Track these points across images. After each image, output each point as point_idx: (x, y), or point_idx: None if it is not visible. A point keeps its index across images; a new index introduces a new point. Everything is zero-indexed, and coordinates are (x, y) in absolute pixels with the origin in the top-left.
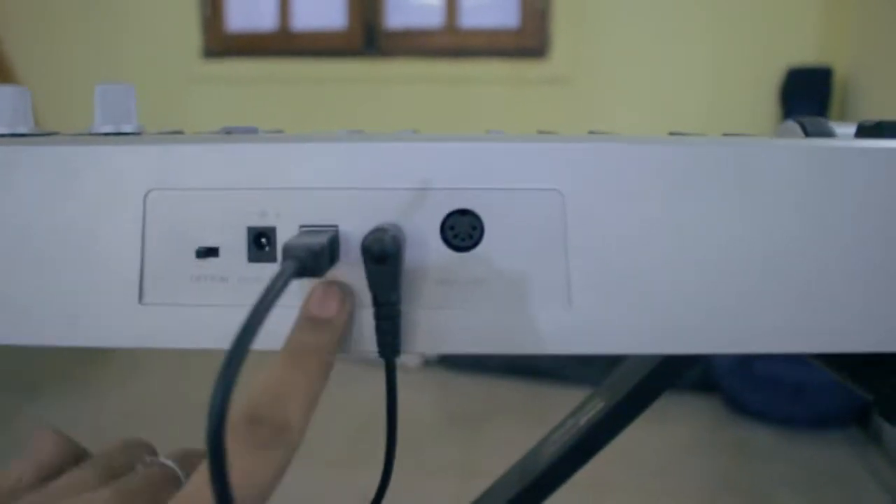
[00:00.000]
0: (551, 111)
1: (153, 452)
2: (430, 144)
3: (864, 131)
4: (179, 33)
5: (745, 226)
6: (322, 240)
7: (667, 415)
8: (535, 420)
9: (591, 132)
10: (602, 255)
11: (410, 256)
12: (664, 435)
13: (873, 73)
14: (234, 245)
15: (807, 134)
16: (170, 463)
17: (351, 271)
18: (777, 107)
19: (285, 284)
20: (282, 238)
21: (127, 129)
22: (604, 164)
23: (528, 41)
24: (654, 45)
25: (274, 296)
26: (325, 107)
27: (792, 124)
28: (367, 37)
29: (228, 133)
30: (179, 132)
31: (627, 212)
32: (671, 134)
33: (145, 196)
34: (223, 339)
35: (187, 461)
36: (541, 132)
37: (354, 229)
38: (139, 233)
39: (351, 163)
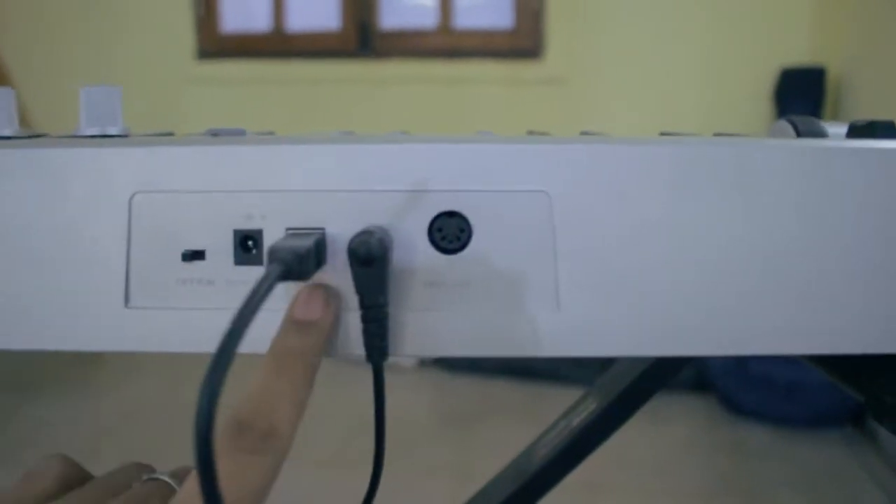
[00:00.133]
0: (546, 112)
1: (152, 471)
2: (418, 146)
3: (856, 131)
4: (173, 34)
5: (735, 227)
6: (308, 243)
7: (662, 415)
8: (530, 421)
9: (583, 133)
10: (591, 256)
11: (398, 259)
12: (660, 435)
13: (866, 73)
14: (221, 248)
15: (798, 134)
16: (166, 478)
17: (338, 274)
18: (771, 107)
19: (270, 288)
20: (268, 241)
21: (112, 131)
22: (591, 165)
23: (522, 42)
24: (648, 46)
25: (259, 299)
26: (320, 108)
27: (784, 124)
28: (362, 38)
29: (215, 135)
30: (169, 134)
31: (616, 213)
32: (662, 134)
33: (131, 198)
34: (210, 343)
35: (185, 476)
36: (530, 133)
37: (341, 232)
38: (125, 236)
39: (338, 165)
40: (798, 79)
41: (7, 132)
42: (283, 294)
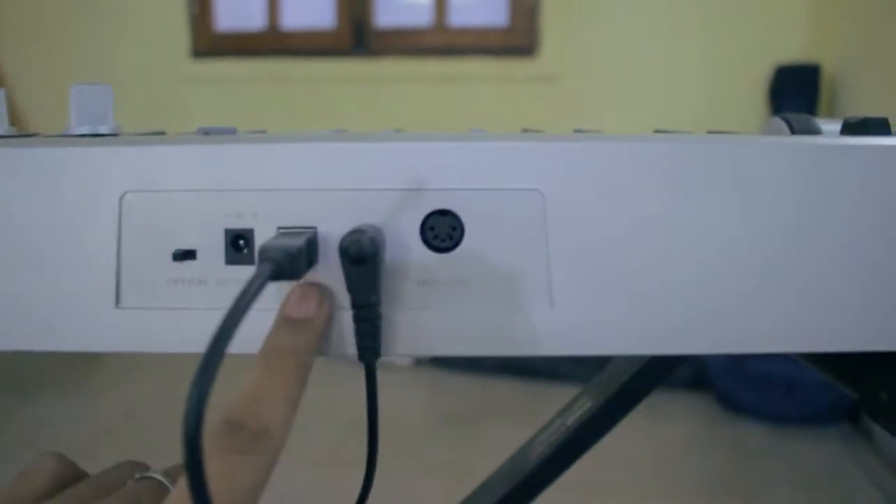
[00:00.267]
0: (541, 110)
1: (145, 469)
2: (410, 144)
3: (850, 128)
4: (168, 33)
5: (728, 225)
6: (299, 242)
7: (660, 413)
8: (528, 419)
9: (577, 131)
10: (584, 255)
11: (390, 258)
12: (658, 434)
13: (861, 71)
14: (212, 247)
15: (792, 131)
16: (159, 476)
17: (330, 273)
18: (766, 104)
19: (261, 287)
20: (260, 240)
21: (103, 129)
22: (584, 163)
23: (517, 40)
24: (643, 44)
25: (249, 299)
26: (315, 106)
27: (778, 121)
28: (357, 36)
29: (206, 134)
30: (161, 133)
31: (610, 211)
32: (656, 132)
33: (121, 198)
34: (201, 343)
35: (179, 475)
36: (525, 131)
37: (333, 231)
38: (115, 235)
39: (329, 163)
40: (793, 76)
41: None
42: (275, 293)
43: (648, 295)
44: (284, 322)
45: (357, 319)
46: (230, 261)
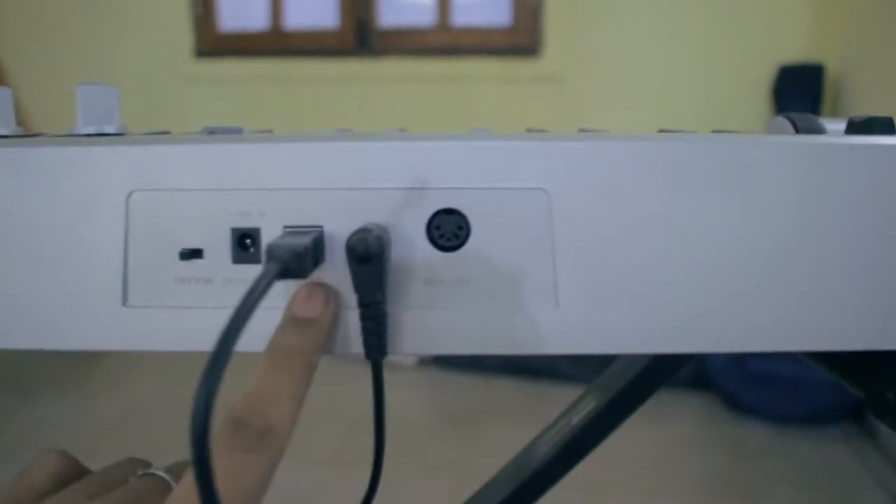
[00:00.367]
0: (544, 109)
1: (147, 467)
2: (416, 143)
3: (855, 127)
4: (171, 33)
5: (733, 224)
6: (306, 241)
7: (662, 413)
8: (530, 419)
9: (581, 130)
10: (590, 254)
11: (396, 256)
12: (660, 433)
13: (864, 70)
14: (219, 246)
15: (797, 130)
16: (161, 473)
17: (336, 272)
18: (769, 104)
19: (268, 286)
20: (266, 239)
21: (109, 129)
22: (590, 162)
23: (520, 39)
24: (646, 44)
25: (256, 298)
26: (318, 106)
27: (782, 121)
28: (360, 36)
29: (211, 133)
30: (166, 132)
31: (615, 210)
32: (660, 131)
33: (128, 197)
34: (208, 342)
35: (181, 471)
36: (529, 130)
37: (339, 230)
38: (122, 234)
39: (335, 163)
40: (796, 76)
41: (4, 131)
42: (282, 292)
43: (653, 294)
44: (291, 321)
45: (363, 318)
46: (237, 260)
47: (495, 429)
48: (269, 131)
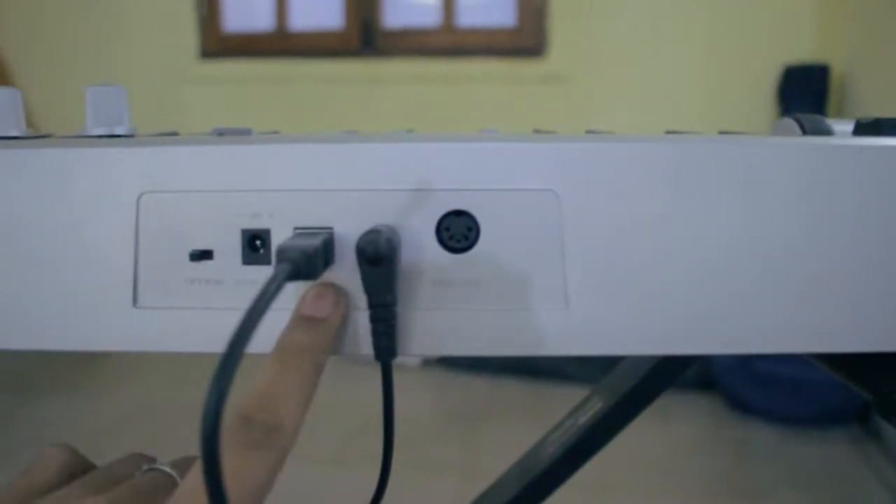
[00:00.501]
0: (548, 110)
1: (153, 462)
2: (425, 145)
3: (862, 128)
4: (176, 34)
5: (742, 225)
6: (316, 242)
7: (667, 413)
8: (535, 419)
9: (589, 131)
10: (599, 255)
11: (406, 258)
12: (665, 434)
13: (870, 70)
14: (229, 247)
15: (804, 131)
16: (167, 468)
17: (346, 273)
18: (774, 104)
19: (279, 288)
20: (276, 240)
21: (119, 130)
22: (599, 163)
23: (525, 40)
24: (651, 44)
25: (268, 299)
26: (323, 107)
27: (789, 122)
28: (365, 36)
29: (220, 134)
30: (174, 133)
31: (624, 211)
32: (668, 132)
33: (138, 198)
34: (218, 343)
35: (186, 467)
36: (537, 131)
37: (349, 231)
38: (133, 236)
39: (345, 164)
40: (801, 76)
41: (14, 132)
42: (292, 293)
43: (662, 295)
44: (300, 320)
45: (373, 319)
46: (247, 261)
47: (500, 429)
48: (276, 132)
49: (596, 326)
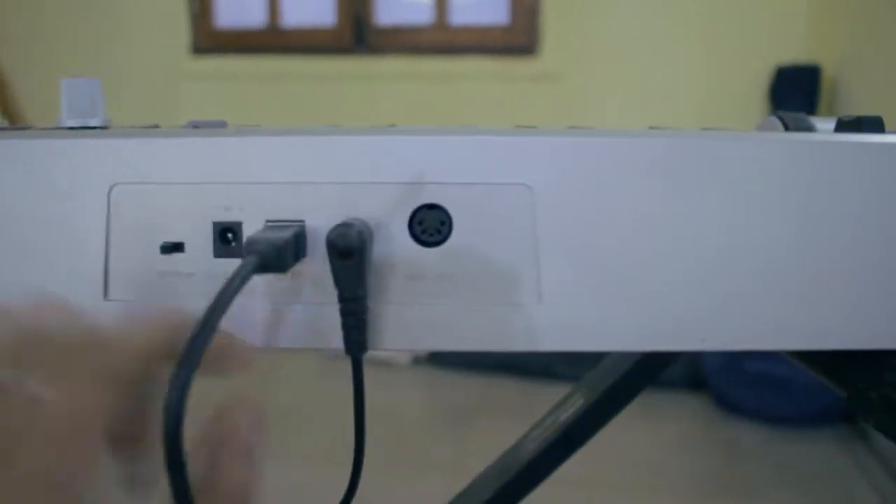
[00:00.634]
0: (541, 108)
1: None
2: (398, 138)
3: (844, 126)
4: (168, 29)
5: (719, 220)
6: (287, 235)
7: (656, 413)
8: (524, 418)
9: (571, 128)
10: (573, 250)
11: (378, 252)
12: (654, 433)
13: (861, 71)
14: (200, 240)
15: (787, 129)
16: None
17: (318, 267)
18: (766, 104)
19: (245, 280)
20: (248, 233)
21: (93, 122)
22: (574, 158)
23: (517, 38)
24: (643, 43)
25: (233, 292)
26: (315, 104)
27: (773, 120)
28: (357, 34)
29: (195, 127)
30: (154, 126)
31: (599, 206)
32: (650, 129)
33: (109, 190)
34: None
35: None
36: (517, 127)
37: (322, 224)
38: (104, 227)
39: (318, 157)
40: (793, 77)
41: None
42: (264, 287)
43: (638, 290)
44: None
45: (344, 313)
46: (218, 254)
47: (490, 428)
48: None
49: (570, 321)
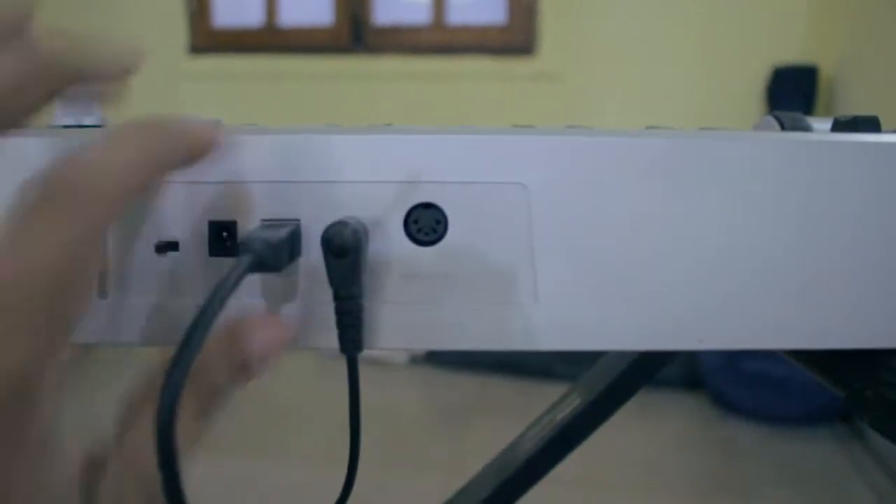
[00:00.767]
0: (539, 108)
1: None
2: (394, 137)
3: (840, 126)
4: (166, 29)
5: (717, 219)
6: (282, 233)
7: (653, 412)
8: (522, 418)
9: (569, 127)
10: (570, 249)
11: (374, 250)
12: (652, 432)
13: (858, 72)
14: (195, 239)
15: (783, 128)
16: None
17: (313, 266)
18: (764, 105)
19: (240, 279)
20: (243, 232)
21: (88, 121)
22: (570, 157)
23: (515, 38)
24: (641, 43)
25: (227, 291)
26: (313, 103)
27: (770, 119)
28: (355, 33)
29: None
30: None
31: (596, 206)
32: (648, 128)
33: None
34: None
35: None
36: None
37: (317, 223)
38: None
39: (313, 155)
40: (791, 77)
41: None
42: (259, 286)
43: (634, 290)
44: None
45: (339, 312)
46: (214, 252)
47: (486, 427)
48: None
49: (567, 321)
